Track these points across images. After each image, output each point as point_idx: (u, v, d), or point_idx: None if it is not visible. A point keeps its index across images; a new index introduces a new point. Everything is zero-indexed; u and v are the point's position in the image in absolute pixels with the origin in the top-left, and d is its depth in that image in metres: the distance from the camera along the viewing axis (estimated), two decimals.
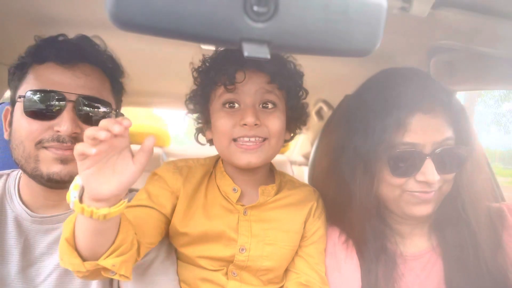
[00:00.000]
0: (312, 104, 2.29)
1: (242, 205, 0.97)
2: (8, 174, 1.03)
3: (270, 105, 0.92)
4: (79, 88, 0.92)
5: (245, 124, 0.88)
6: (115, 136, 0.63)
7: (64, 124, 0.88)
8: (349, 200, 0.95)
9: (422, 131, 0.87)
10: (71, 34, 1.00)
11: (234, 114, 0.91)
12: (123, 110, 1.10)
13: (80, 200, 0.68)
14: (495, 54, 1.04)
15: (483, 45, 1.02)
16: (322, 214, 1.04)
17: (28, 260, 0.94)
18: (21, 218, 0.95)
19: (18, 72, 0.95)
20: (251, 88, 0.90)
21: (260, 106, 0.91)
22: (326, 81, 1.95)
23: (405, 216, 0.96)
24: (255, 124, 0.88)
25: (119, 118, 0.64)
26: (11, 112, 0.96)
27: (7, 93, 1.38)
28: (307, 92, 1.02)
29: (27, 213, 0.95)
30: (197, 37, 0.43)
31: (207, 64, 0.97)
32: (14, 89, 0.96)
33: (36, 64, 0.93)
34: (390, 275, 0.95)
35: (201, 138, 1.05)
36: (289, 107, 0.96)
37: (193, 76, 0.99)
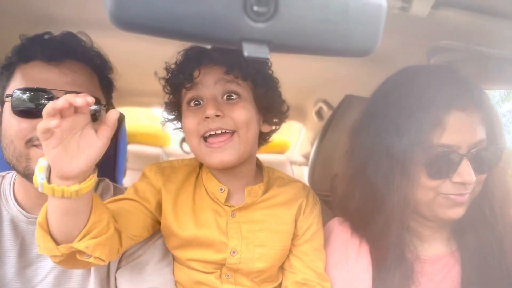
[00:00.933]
0: (312, 104, 2.29)
1: (230, 206, 0.96)
2: (3, 176, 1.03)
3: (234, 96, 0.91)
4: (67, 85, 0.91)
5: (207, 117, 0.87)
6: (76, 112, 0.65)
7: None
8: (381, 205, 0.91)
9: (458, 131, 0.84)
10: None
11: (198, 110, 0.90)
12: (123, 110, 1.10)
13: (48, 181, 0.69)
14: (495, 54, 1.04)
15: (483, 45, 1.02)
16: (314, 209, 1.02)
17: (25, 261, 0.93)
18: (17, 220, 0.95)
19: (5, 72, 0.95)
20: (210, 81, 0.90)
21: (225, 98, 0.90)
22: (326, 81, 1.95)
23: (437, 220, 0.92)
24: (218, 116, 0.87)
25: (82, 94, 0.65)
26: (0, 113, 0.96)
27: None
28: (277, 80, 0.99)
29: (23, 214, 0.95)
30: (197, 37, 0.43)
31: (170, 71, 0.97)
32: (2, 89, 0.95)
33: (22, 63, 0.93)
34: (405, 277, 0.93)
35: (186, 147, 1.03)
36: (257, 96, 0.94)
37: (161, 85, 0.99)
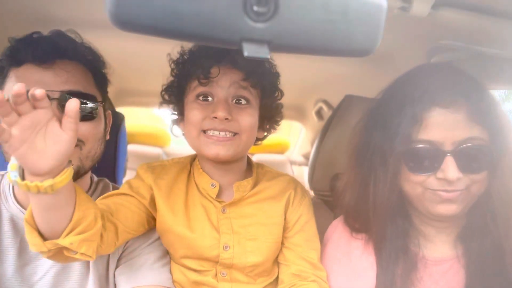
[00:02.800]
0: (312, 104, 2.29)
1: (221, 202, 0.98)
2: (3, 175, 1.03)
3: (243, 101, 0.93)
4: (61, 85, 0.91)
5: (216, 117, 0.89)
6: (35, 108, 0.63)
7: None
8: (371, 197, 0.93)
9: (440, 127, 0.83)
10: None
11: (207, 106, 0.92)
12: (124, 110, 1.10)
13: (22, 178, 0.68)
14: (495, 54, 1.04)
15: (483, 45, 1.02)
16: (303, 200, 1.03)
17: (24, 259, 0.94)
18: (17, 218, 0.95)
19: None
20: (225, 82, 0.91)
21: (234, 101, 0.93)
22: (326, 81, 1.95)
23: (431, 216, 0.92)
24: (226, 119, 0.89)
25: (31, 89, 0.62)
26: None
27: None
28: (282, 93, 1.03)
29: (22, 212, 0.95)
30: (197, 37, 0.43)
31: (185, 56, 0.98)
32: None
33: (15, 67, 0.92)
34: (407, 276, 0.92)
35: (176, 130, 1.06)
36: (263, 105, 0.97)
37: (170, 67, 1.00)
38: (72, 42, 0.97)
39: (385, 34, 0.46)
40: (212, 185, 0.98)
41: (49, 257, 0.76)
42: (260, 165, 1.08)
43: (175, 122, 1.04)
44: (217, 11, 0.41)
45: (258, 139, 1.04)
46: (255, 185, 1.01)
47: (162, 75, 1.01)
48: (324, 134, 1.42)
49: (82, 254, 0.75)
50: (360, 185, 0.96)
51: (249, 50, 0.43)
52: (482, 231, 0.89)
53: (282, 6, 0.42)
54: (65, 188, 0.70)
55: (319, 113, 2.31)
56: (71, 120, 0.66)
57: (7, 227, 0.94)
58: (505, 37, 0.94)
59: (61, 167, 0.69)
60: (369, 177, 0.93)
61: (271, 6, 0.42)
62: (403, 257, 0.93)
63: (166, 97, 1.02)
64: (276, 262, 1.03)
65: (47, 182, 0.66)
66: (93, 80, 1.00)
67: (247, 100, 0.93)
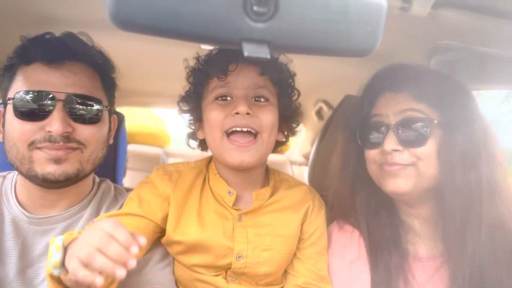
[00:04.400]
0: (312, 104, 2.29)
1: (237, 210, 0.95)
2: (5, 176, 1.02)
3: (262, 99, 0.92)
4: (68, 87, 0.91)
5: (237, 113, 0.88)
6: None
7: (54, 124, 0.87)
8: (351, 187, 1.00)
9: (386, 105, 0.95)
10: None
11: (227, 105, 0.91)
12: (124, 110, 1.10)
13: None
14: (495, 54, 1.04)
15: (483, 45, 1.02)
16: (320, 213, 1.03)
17: (26, 261, 0.93)
18: (18, 220, 0.95)
19: (7, 74, 0.94)
20: (243, 82, 0.90)
21: (253, 99, 0.92)
22: (326, 81, 1.95)
23: (390, 195, 0.96)
24: (247, 114, 0.87)
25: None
26: (3, 114, 0.95)
27: None
28: (299, 93, 1.03)
29: (24, 214, 0.95)
30: (197, 37, 0.43)
31: (201, 61, 0.98)
32: (5, 91, 0.95)
33: (24, 65, 0.92)
34: (400, 272, 0.93)
35: (192, 143, 1.05)
36: (281, 104, 0.96)
37: (186, 74, 1.00)
38: (83, 45, 0.97)
39: (385, 34, 0.46)
40: (229, 192, 0.95)
41: None
42: (276, 172, 1.06)
43: (191, 135, 1.03)
44: (217, 11, 0.41)
45: (278, 144, 1.02)
46: (272, 193, 0.99)
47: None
48: (324, 134, 1.42)
49: None
50: (345, 181, 1.03)
51: (249, 50, 0.43)
52: (462, 224, 0.89)
53: (282, 6, 0.42)
54: None
55: (319, 113, 2.31)
56: None
57: (8, 229, 0.94)
58: (505, 37, 0.94)
59: None
60: (344, 163, 1.03)
61: (271, 6, 0.42)
62: (394, 252, 0.95)
63: (183, 105, 1.02)
64: (285, 271, 1.02)
65: None
66: (101, 83, 0.99)
67: (266, 99, 0.92)
